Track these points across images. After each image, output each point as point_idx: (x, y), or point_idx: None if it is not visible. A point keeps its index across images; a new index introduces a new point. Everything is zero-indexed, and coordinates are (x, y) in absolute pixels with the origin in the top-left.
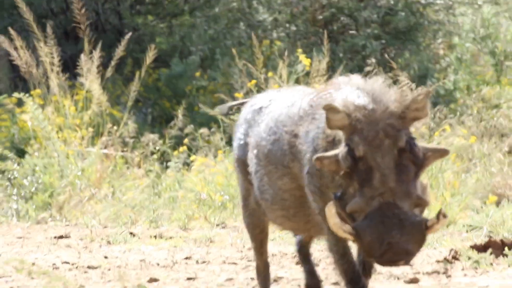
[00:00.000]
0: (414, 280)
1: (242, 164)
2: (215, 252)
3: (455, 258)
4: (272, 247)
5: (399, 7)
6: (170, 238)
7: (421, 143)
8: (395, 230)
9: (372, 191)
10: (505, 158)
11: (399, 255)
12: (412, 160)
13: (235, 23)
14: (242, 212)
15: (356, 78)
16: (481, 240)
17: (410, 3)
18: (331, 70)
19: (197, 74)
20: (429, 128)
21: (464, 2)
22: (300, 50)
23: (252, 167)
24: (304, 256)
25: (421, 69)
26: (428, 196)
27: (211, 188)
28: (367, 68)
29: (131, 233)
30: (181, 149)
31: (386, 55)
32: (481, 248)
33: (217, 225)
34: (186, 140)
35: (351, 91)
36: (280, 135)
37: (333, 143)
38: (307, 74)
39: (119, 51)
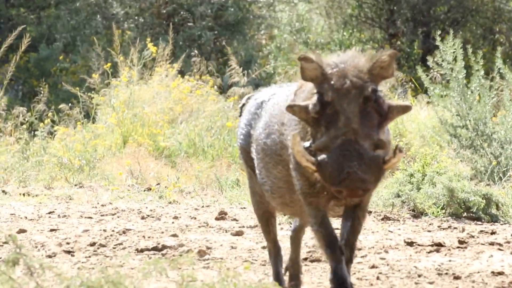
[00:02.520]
0: (240, 233)
1: (245, 152)
2: (74, 208)
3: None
4: (121, 204)
5: (229, 3)
6: (36, 195)
7: (386, 99)
8: (354, 162)
9: (337, 131)
10: None
11: (356, 182)
12: (376, 109)
13: (93, 15)
14: (250, 193)
15: None
16: None
17: (238, 0)
18: (173, 56)
19: (61, 57)
20: None
21: (283, 1)
22: (148, 39)
23: (254, 161)
24: (293, 241)
25: (247, 56)
26: (389, 143)
27: (71, 154)
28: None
29: (3, 191)
30: (46, 120)
31: (218, 44)
32: None
33: (76, 185)
34: (50, 113)
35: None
36: (273, 127)
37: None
38: (154, 59)
39: None
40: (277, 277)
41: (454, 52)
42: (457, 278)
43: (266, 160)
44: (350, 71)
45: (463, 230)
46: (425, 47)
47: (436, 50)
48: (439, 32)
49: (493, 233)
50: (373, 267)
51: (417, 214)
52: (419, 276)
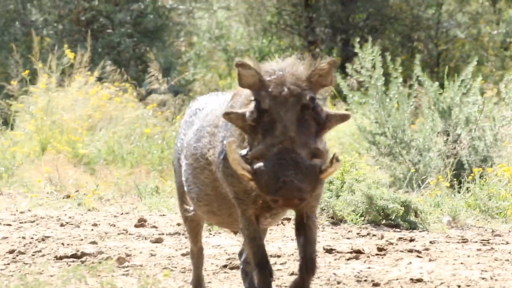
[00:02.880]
0: (159, 240)
1: (177, 162)
2: None
3: None
4: (40, 211)
5: (149, 11)
6: None
7: (325, 108)
8: (290, 170)
9: (273, 140)
10: None
11: (292, 191)
12: (314, 117)
13: (11, 22)
14: (179, 206)
15: None
16: None
17: (157, 8)
18: (92, 63)
19: None
20: (172, 112)
21: (202, 8)
22: (66, 45)
23: (182, 167)
24: (245, 277)
25: (166, 63)
26: (326, 153)
27: None
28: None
29: None
30: None
31: (137, 51)
32: None
33: None
34: None
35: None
36: (204, 131)
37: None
38: (72, 65)
39: None
40: (198, 281)
41: (372, 59)
42: (376, 285)
43: (194, 165)
44: (288, 79)
45: (382, 237)
46: (344, 54)
47: (355, 57)
48: (358, 40)
49: (411, 240)
50: (292, 274)
51: (336, 221)
52: (338, 283)
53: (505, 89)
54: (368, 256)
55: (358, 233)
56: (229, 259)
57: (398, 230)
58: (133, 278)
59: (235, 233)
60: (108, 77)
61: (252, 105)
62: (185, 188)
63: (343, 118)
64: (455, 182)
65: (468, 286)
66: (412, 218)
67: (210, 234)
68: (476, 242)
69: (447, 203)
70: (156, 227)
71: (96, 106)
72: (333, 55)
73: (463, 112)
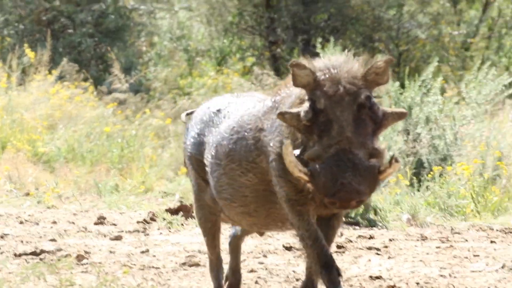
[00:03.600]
0: (119, 238)
1: (196, 161)
2: None
3: (152, 219)
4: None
5: (110, 11)
6: None
7: (381, 107)
8: (348, 172)
9: (330, 140)
10: None
11: (350, 194)
12: (370, 116)
13: None
14: (195, 206)
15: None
16: (174, 204)
17: (118, 8)
18: (53, 62)
19: None
20: (132, 111)
21: (163, 8)
22: (26, 45)
23: (209, 167)
24: (233, 249)
25: (127, 63)
26: (384, 152)
27: None
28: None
29: None
30: None
31: (98, 50)
32: (174, 211)
33: None
34: None
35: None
36: (244, 133)
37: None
38: (31, 65)
39: None
40: None
41: None
42: None
43: (231, 167)
44: (343, 77)
45: (342, 234)
46: (305, 54)
47: (316, 57)
48: (319, 40)
49: (371, 237)
50: (251, 271)
51: None
52: (297, 280)
53: (466, 89)
54: None
55: None
56: (188, 256)
57: (358, 227)
58: (92, 275)
59: (262, 234)
60: (68, 77)
61: (306, 105)
62: (214, 188)
63: (400, 116)
64: (415, 180)
65: (427, 283)
66: (371, 216)
67: (170, 232)
68: (435, 239)
69: (407, 201)
70: (116, 225)
71: (56, 105)
72: (294, 55)
73: (423, 112)
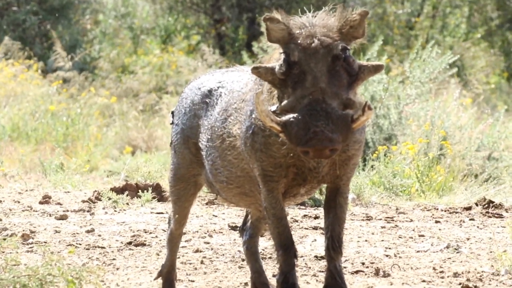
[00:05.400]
0: (64, 217)
1: (192, 144)
2: None
3: (97, 198)
4: None
5: None
6: None
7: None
8: (321, 121)
9: (303, 91)
10: (139, 115)
11: (323, 142)
12: (345, 68)
13: None
14: (171, 185)
15: None
16: (119, 183)
17: None
18: None
19: None
20: (77, 89)
21: None
22: None
23: (204, 150)
24: (251, 254)
25: (72, 40)
26: (359, 103)
27: None
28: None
29: None
30: None
31: (42, 28)
32: (119, 190)
33: None
34: None
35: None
36: (231, 108)
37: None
38: None
39: None
40: (171, 267)
41: None
42: None
43: (222, 147)
44: (318, 31)
45: (287, 214)
46: (250, 33)
47: (261, 36)
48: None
49: (316, 217)
50: (197, 251)
51: None
52: (243, 260)
53: (410, 68)
54: None
55: None
56: (133, 236)
57: (303, 207)
58: (37, 254)
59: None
60: (12, 54)
61: (281, 59)
62: (210, 173)
63: (377, 69)
64: (360, 160)
65: (372, 263)
66: (317, 195)
67: (115, 211)
68: (381, 219)
69: (352, 180)
70: (61, 204)
71: (0, 83)
72: (239, 33)
73: (368, 91)
